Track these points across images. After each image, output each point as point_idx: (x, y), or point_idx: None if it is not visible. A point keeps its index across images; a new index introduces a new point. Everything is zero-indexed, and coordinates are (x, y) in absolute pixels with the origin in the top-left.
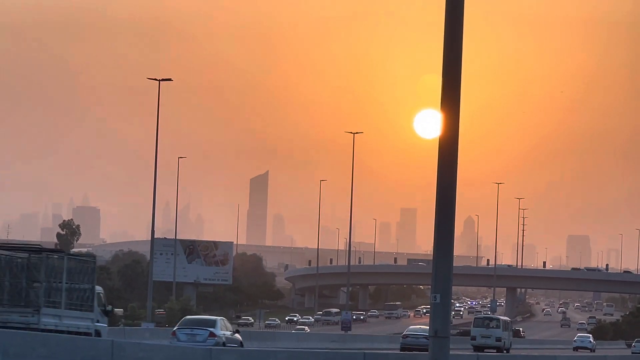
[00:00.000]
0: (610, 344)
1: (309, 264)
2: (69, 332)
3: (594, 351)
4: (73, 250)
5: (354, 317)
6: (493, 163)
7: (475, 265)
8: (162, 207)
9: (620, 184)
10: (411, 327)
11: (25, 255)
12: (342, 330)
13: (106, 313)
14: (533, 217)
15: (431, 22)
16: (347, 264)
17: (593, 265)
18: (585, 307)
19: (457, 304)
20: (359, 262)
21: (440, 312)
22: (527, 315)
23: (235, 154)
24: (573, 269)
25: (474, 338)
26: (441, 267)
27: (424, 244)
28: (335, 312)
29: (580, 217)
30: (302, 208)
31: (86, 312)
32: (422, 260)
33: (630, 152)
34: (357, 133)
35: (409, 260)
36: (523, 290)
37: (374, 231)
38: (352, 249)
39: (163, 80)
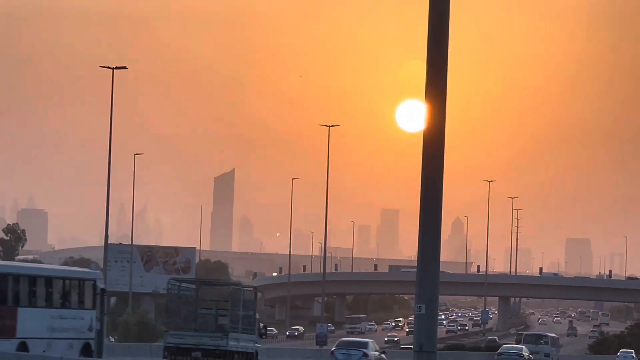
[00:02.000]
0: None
1: (280, 272)
2: (245, 352)
3: None
4: (18, 257)
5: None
6: (483, 159)
7: (465, 272)
8: (117, 210)
9: (626, 181)
10: (505, 345)
11: (215, 287)
12: (317, 345)
13: (261, 335)
14: (528, 218)
15: (415, 3)
16: (322, 271)
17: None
18: (588, 316)
19: (443, 316)
20: (336, 269)
21: (426, 325)
22: (522, 327)
23: (198, 150)
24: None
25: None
26: (426, 274)
27: (407, 248)
28: (298, 333)
29: (581, 218)
30: (272, 210)
31: (252, 334)
32: (405, 267)
33: (637, 145)
34: (332, 126)
35: (390, 267)
36: (517, 299)
37: (352, 235)
38: (327, 254)
39: (117, 68)
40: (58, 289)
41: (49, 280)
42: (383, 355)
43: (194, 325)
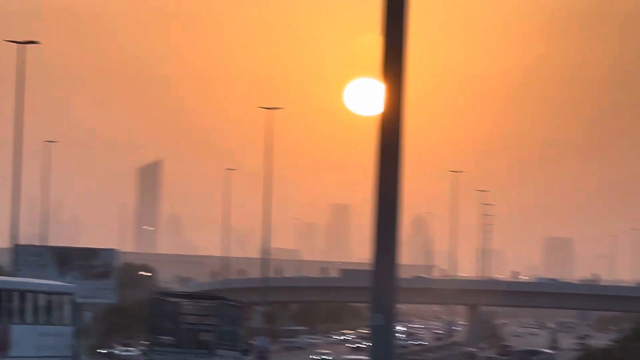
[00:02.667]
0: None
1: (214, 277)
2: None
3: None
4: None
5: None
6: (449, 147)
7: (429, 277)
8: (27, 206)
9: (613, 172)
10: None
11: (200, 302)
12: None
13: (245, 352)
14: (501, 214)
15: None
16: (261, 276)
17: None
18: (572, 327)
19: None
20: (278, 273)
21: (383, 338)
22: (494, 340)
23: (120, 138)
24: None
25: None
26: (382, 279)
27: (360, 250)
28: None
29: (562, 216)
30: (204, 205)
31: (236, 351)
32: (358, 271)
33: (628, 129)
34: (273, 109)
35: (341, 270)
36: (489, 308)
37: (297, 234)
38: (269, 257)
39: (26, 43)
40: (44, 304)
41: (36, 295)
42: None
43: (177, 341)
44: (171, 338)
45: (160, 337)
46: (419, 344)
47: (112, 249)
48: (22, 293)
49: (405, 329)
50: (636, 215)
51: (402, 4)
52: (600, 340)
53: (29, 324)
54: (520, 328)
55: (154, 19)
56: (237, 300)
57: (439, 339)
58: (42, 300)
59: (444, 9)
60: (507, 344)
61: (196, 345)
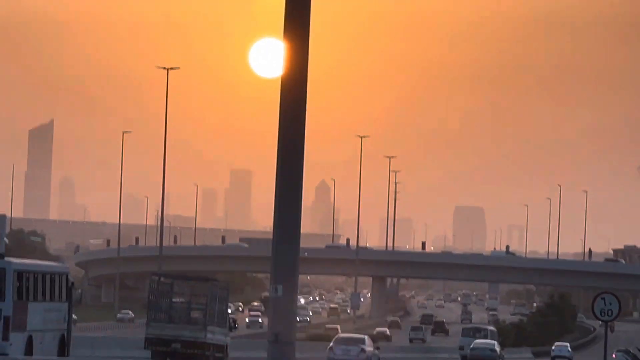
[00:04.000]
0: (511, 351)
1: (108, 245)
2: (218, 345)
3: None
4: None
5: None
6: (355, 110)
7: (332, 246)
8: None
9: (526, 137)
10: (478, 341)
11: (192, 282)
12: None
13: (230, 329)
14: (409, 182)
15: None
16: (158, 244)
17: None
18: (482, 300)
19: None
20: (175, 242)
21: (284, 310)
22: (402, 313)
23: (9, 97)
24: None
25: (462, 348)
26: (284, 249)
27: (261, 218)
28: (129, 318)
29: (472, 184)
30: (99, 169)
31: (224, 328)
32: (259, 240)
33: (541, 92)
34: (172, 69)
35: (241, 239)
36: (395, 280)
37: (195, 201)
38: (165, 224)
39: None
40: (50, 283)
41: (45, 275)
42: (377, 351)
43: (171, 317)
44: (166, 314)
45: (157, 312)
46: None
47: (1, 215)
48: (35, 274)
49: (309, 301)
50: (550, 182)
51: None
52: (505, 314)
53: (39, 301)
54: (428, 300)
55: None
56: (224, 282)
57: (334, 313)
58: (48, 279)
59: None
60: (442, 320)
61: (188, 321)
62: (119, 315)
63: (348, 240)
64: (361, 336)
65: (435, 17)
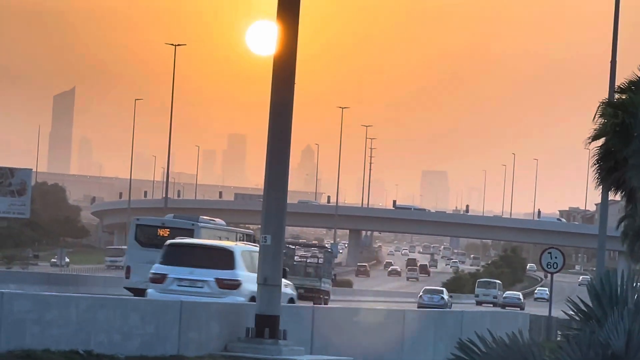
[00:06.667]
0: (469, 297)
1: (120, 197)
2: (326, 290)
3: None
4: None
5: None
6: (338, 84)
7: (314, 202)
8: None
9: (486, 110)
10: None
11: (312, 248)
12: None
13: (332, 280)
14: (382, 148)
15: None
16: (164, 197)
17: (451, 206)
18: (446, 253)
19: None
20: (179, 195)
21: (271, 256)
22: (374, 262)
23: (36, 67)
24: (398, 207)
25: (477, 295)
26: (273, 203)
27: (254, 176)
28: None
29: (438, 150)
30: (113, 131)
31: (329, 280)
32: (251, 196)
33: (500, 70)
34: (178, 45)
35: (236, 195)
36: (369, 233)
37: (197, 160)
38: (170, 180)
39: None
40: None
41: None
42: (450, 298)
43: (294, 272)
44: (290, 269)
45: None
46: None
47: (28, 169)
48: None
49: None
50: (506, 151)
51: None
52: (463, 265)
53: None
54: (396, 251)
55: None
56: (330, 248)
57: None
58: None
59: None
60: (428, 263)
61: (307, 275)
62: None
63: (329, 197)
64: (441, 288)
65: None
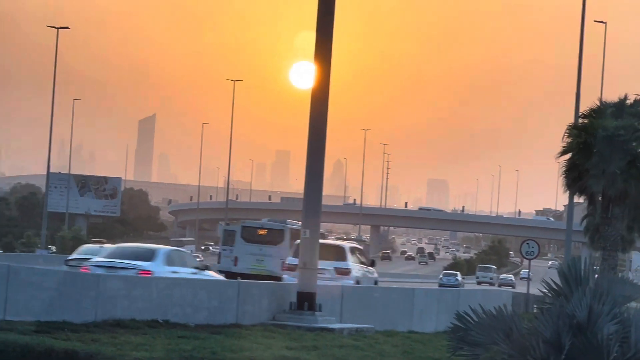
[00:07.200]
0: (466, 278)
1: (191, 200)
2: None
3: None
4: None
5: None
6: (362, 111)
7: (343, 204)
8: (58, 145)
9: (480, 128)
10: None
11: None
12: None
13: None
14: (397, 161)
15: None
16: (225, 200)
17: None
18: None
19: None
20: (236, 198)
21: (310, 246)
22: (390, 251)
23: (126, 97)
24: (421, 208)
25: (477, 277)
26: (311, 204)
27: (296, 183)
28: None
29: (440, 163)
30: (186, 148)
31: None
32: (294, 199)
33: (485, 97)
34: (237, 81)
35: (282, 197)
36: (386, 228)
37: (251, 171)
38: (230, 186)
39: (61, 28)
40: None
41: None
42: (462, 280)
43: None
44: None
45: None
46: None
47: (118, 177)
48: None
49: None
50: (493, 163)
51: (329, 10)
52: (459, 253)
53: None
54: (407, 242)
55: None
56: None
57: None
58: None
59: (369, 3)
60: (432, 251)
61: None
62: (202, 247)
63: (354, 200)
64: (456, 272)
65: (423, 49)
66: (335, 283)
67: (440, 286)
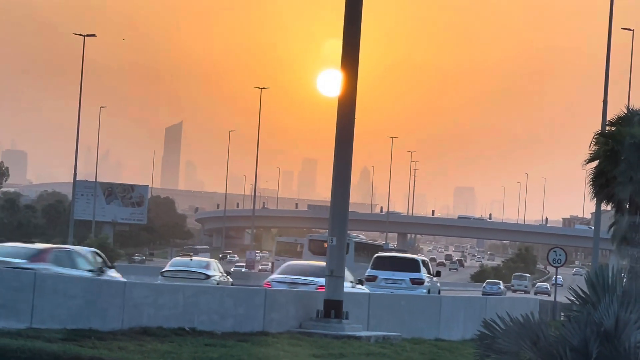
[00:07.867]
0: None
1: (217, 207)
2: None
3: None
4: (2, 189)
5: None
6: (388, 119)
7: (370, 212)
8: (85, 152)
9: (507, 138)
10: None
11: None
12: (246, 268)
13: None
14: (423, 169)
15: None
16: (252, 207)
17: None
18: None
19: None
20: (263, 206)
21: (337, 254)
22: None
23: (152, 105)
24: (460, 217)
25: (513, 285)
26: (338, 212)
27: (323, 191)
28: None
29: (467, 170)
30: (212, 156)
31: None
32: (321, 207)
33: (512, 105)
34: (264, 88)
35: (309, 205)
36: (413, 235)
37: (278, 179)
38: (257, 194)
39: (87, 35)
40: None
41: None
42: (504, 288)
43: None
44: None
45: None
46: None
47: (144, 185)
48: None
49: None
50: (520, 171)
51: (357, 19)
52: (484, 261)
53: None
54: (434, 249)
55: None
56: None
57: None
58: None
59: (394, 13)
60: (461, 259)
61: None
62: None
63: (381, 207)
64: (498, 280)
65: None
66: (411, 292)
67: (483, 294)
